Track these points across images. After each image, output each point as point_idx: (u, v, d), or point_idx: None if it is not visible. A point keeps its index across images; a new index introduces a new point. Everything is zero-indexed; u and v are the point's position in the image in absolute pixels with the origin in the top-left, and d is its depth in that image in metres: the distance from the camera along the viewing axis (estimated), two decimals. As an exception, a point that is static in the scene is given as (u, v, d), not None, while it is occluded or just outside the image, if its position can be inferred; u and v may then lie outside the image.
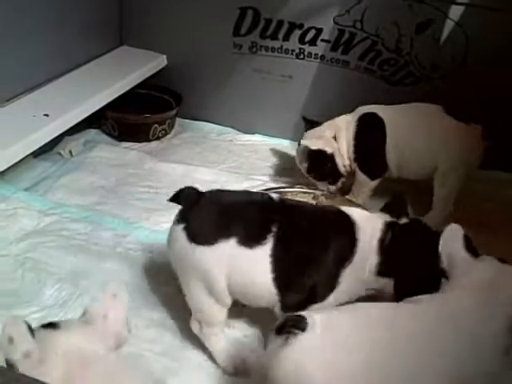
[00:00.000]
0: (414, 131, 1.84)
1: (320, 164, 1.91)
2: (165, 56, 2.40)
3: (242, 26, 2.26)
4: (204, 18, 2.29)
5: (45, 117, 1.87)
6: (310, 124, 1.98)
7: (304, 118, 2.02)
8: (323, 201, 1.91)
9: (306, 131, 1.98)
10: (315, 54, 2.23)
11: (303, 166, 1.95)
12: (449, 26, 2.05)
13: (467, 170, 1.83)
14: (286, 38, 2.23)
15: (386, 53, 2.15)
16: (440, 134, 1.82)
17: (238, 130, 2.42)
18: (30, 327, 0.90)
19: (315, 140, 1.90)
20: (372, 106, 1.92)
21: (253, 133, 2.40)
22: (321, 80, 2.25)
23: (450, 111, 1.84)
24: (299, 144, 1.94)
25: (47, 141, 1.86)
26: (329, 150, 1.89)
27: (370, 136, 1.89)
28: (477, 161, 1.84)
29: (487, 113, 1.89)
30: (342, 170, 1.93)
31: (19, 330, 0.89)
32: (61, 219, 1.80)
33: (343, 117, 1.93)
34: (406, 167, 1.88)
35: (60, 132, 1.92)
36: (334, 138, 1.90)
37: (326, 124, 1.94)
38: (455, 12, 2.02)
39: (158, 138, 2.32)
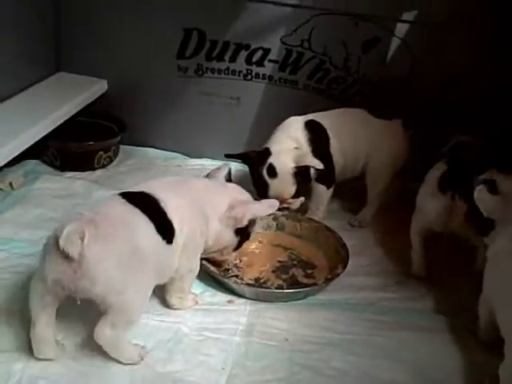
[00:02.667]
0: (351, 134, 1.93)
1: (303, 180, 1.86)
2: (105, 81, 2.30)
3: (187, 48, 2.21)
4: (147, 40, 2.22)
5: (-13, 146, 1.73)
6: (245, 156, 1.92)
7: (230, 156, 1.93)
8: (284, 221, 1.87)
9: (248, 164, 1.91)
10: (263, 75, 2.21)
11: (290, 189, 1.85)
12: (395, 43, 2.08)
13: (396, 164, 1.94)
14: (233, 59, 2.20)
15: (335, 71, 2.15)
16: (369, 133, 1.94)
17: (186, 155, 2.35)
18: None
19: (289, 157, 1.83)
20: (306, 115, 1.93)
21: (201, 157, 2.33)
22: (269, 101, 2.23)
23: (373, 112, 1.96)
24: (272, 172, 1.84)
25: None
26: (314, 164, 1.84)
27: (319, 144, 1.89)
28: (404, 152, 1.95)
29: (435, 125, 1.92)
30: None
31: None
32: (11, 255, 1.66)
33: (294, 126, 1.90)
34: (349, 169, 1.95)
35: (4, 163, 1.78)
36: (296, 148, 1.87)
37: (283, 137, 1.89)
38: (401, 29, 2.06)
39: (103, 166, 2.21)
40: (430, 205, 1.62)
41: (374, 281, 1.67)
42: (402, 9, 2.02)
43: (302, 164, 1.81)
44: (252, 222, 1.55)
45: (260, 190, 1.85)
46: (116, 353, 1.29)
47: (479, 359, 1.39)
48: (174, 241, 1.36)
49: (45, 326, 1.26)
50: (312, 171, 1.85)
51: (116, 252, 1.22)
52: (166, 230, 1.34)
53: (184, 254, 1.40)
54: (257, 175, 1.85)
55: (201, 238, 1.45)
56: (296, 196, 1.86)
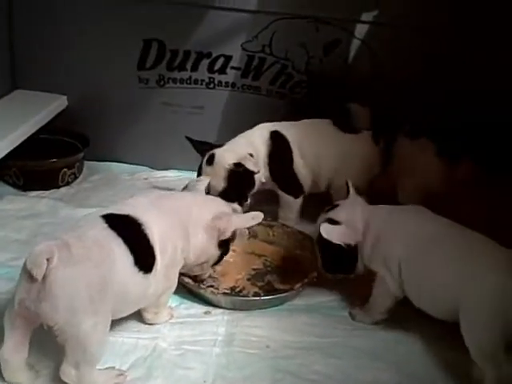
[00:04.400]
0: (317, 147, 1.90)
1: (237, 181, 1.82)
2: (65, 97, 2.25)
3: (148, 58, 2.18)
4: (105, 53, 2.18)
5: None
6: (201, 145, 1.93)
7: (190, 140, 1.95)
8: (256, 228, 1.85)
9: (199, 152, 1.91)
10: (226, 82, 2.19)
11: (218, 184, 1.82)
12: (356, 44, 2.08)
13: (365, 176, 1.88)
14: (195, 68, 2.18)
15: (297, 75, 2.14)
16: (337, 146, 1.89)
17: (152, 168, 2.31)
18: None
19: (234, 156, 1.82)
20: (272, 123, 1.92)
21: (167, 168, 2.29)
22: (233, 108, 2.22)
23: (338, 124, 1.93)
24: (210, 161, 1.84)
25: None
26: (250, 168, 1.81)
27: (281, 155, 1.88)
28: (375, 166, 1.91)
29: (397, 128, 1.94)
30: (255, 189, 1.88)
31: None
32: (-25, 280, 1.59)
33: (258, 134, 1.90)
34: (319, 181, 1.93)
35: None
36: (251, 154, 1.84)
37: (241, 141, 1.89)
38: (361, 30, 2.06)
39: (68, 184, 2.17)
40: None
41: (350, 283, 1.65)
42: (362, 10, 2.02)
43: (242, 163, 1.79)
44: (233, 235, 1.52)
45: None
46: None
47: (458, 355, 1.38)
48: (153, 269, 1.32)
49: (12, 348, 1.21)
50: (260, 179, 1.85)
51: (84, 278, 1.18)
52: (145, 261, 1.31)
53: (164, 273, 1.37)
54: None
55: (181, 255, 1.43)
56: (228, 196, 1.75)
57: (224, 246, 1.52)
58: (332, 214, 1.53)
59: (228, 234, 1.48)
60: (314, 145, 1.90)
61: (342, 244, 1.47)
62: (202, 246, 1.48)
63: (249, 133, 1.90)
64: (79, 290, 1.17)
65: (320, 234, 1.48)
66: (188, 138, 1.94)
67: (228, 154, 1.83)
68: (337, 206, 1.57)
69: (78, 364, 1.20)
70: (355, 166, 1.88)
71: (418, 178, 1.86)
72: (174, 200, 1.48)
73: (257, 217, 1.52)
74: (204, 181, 1.65)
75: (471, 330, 1.28)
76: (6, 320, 1.21)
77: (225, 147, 1.86)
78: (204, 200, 1.55)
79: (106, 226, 1.28)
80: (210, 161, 1.84)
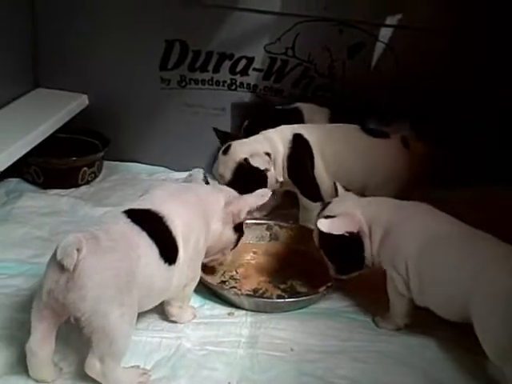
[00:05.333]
0: (343, 152, 1.85)
1: (244, 176, 1.81)
2: (86, 96, 2.25)
3: (170, 59, 2.18)
4: (127, 53, 2.19)
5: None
6: (225, 136, 1.94)
7: (216, 130, 1.97)
8: (278, 231, 1.84)
9: (221, 144, 1.91)
10: (247, 84, 2.19)
11: (226, 173, 1.83)
12: (379, 48, 2.07)
13: (395, 182, 1.83)
14: (217, 69, 2.18)
15: (320, 78, 2.13)
16: (365, 151, 1.85)
17: (171, 169, 2.30)
18: None
19: (248, 150, 1.82)
20: (297, 125, 1.90)
21: (186, 170, 2.27)
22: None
23: (367, 129, 1.89)
24: (226, 151, 1.85)
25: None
26: (262, 167, 1.80)
27: (301, 158, 1.86)
28: (405, 171, 1.84)
29: (421, 130, 1.92)
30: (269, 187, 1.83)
31: None
32: (-3, 276, 1.59)
33: (280, 133, 1.88)
34: (351, 186, 1.82)
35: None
36: (267, 153, 1.83)
37: (261, 137, 1.87)
38: (385, 34, 2.05)
39: (87, 183, 2.16)
40: None
41: (373, 288, 1.63)
42: (386, 13, 2.01)
43: (252, 161, 1.79)
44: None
45: None
46: None
47: (483, 359, 1.36)
48: (177, 260, 1.32)
49: (39, 341, 1.21)
50: (276, 178, 1.85)
51: (111, 269, 1.18)
52: (169, 253, 1.31)
53: (189, 264, 1.37)
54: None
55: (204, 245, 1.43)
56: (237, 188, 1.66)
57: (239, 229, 1.53)
58: (326, 212, 1.53)
59: (243, 215, 1.50)
60: (339, 150, 1.86)
61: (345, 233, 1.45)
62: (220, 233, 1.49)
63: (271, 132, 1.88)
64: (107, 281, 1.17)
65: (320, 237, 1.49)
66: (214, 129, 1.97)
67: (242, 148, 1.83)
68: (329, 203, 1.57)
69: (103, 357, 1.19)
70: (386, 171, 1.84)
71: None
72: (193, 191, 1.48)
73: (266, 193, 1.54)
74: (199, 173, 1.66)
75: (485, 329, 1.26)
76: (34, 312, 1.20)
77: (244, 140, 1.87)
78: (212, 188, 1.56)
79: (128, 220, 1.28)
80: (226, 151, 1.85)
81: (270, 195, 1.54)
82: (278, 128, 1.88)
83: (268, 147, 1.85)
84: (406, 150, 1.85)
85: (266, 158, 1.82)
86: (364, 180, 1.83)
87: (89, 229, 1.23)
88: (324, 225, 1.46)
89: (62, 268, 1.13)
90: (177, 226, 1.33)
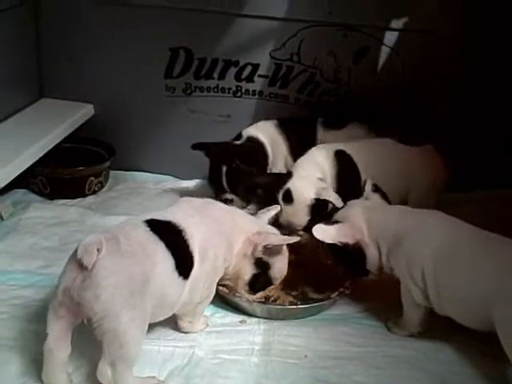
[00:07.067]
0: (384, 164, 1.84)
1: (319, 214, 1.75)
2: (91, 105, 2.25)
3: (175, 67, 2.18)
4: (132, 62, 2.18)
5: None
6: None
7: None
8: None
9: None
10: (253, 91, 2.19)
11: (302, 220, 1.78)
12: (385, 52, 2.07)
13: (437, 188, 1.86)
14: (222, 76, 2.17)
15: (325, 83, 2.13)
16: (403, 162, 1.85)
17: (177, 177, 2.30)
18: None
19: (312, 187, 1.77)
20: (331, 144, 1.88)
21: (192, 178, 2.28)
22: (260, 116, 2.19)
23: (402, 140, 1.89)
24: (288, 199, 1.79)
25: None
26: (333, 198, 1.75)
27: (349, 174, 1.84)
28: (444, 176, 1.86)
29: (430, 134, 1.92)
30: None
31: None
32: (7, 288, 1.59)
33: (323, 155, 1.84)
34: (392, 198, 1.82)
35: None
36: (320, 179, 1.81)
37: (309, 165, 1.83)
38: (390, 38, 2.05)
39: (94, 192, 2.16)
40: None
41: (385, 293, 1.62)
42: (391, 17, 2.01)
43: (322, 197, 1.74)
44: (272, 259, 1.49)
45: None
46: None
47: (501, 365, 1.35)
48: (190, 274, 1.33)
49: (56, 340, 1.21)
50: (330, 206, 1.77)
51: (127, 272, 1.19)
52: (184, 266, 1.31)
53: (205, 281, 1.37)
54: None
55: (223, 265, 1.42)
56: (307, 229, 1.71)
57: (261, 268, 1.48)
58: (336, 216, 1.52)
59: (259, 249, 1.46)
60: (380, 162, 1.84)
61: (338, 243, 1.45)
62: (237, 259, 1.47)
63: (314, 155, 1.85)
64: (121, 283, 1.18)
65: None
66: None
67: (304, 188, 1.78)
68: (343, 207, 1.57)
69: (114, 362, 1.19)
70: (428, 178, 1.85)
71: None
72: (219, 208, 1.48)
73: (291, 239, 1.51)
74: (272, 210, 1.62)
75: (510, 335, 1.23)
76: (50, 311, 1.21)
77: (299, 176, 1.80)
78: (254, 221, 1.54)
79: (148, 229, 1.29)
80: (288, 198, 1.79)
81: (294, 240, 1.51)
82: (314, 149, 1.86)
83: (319, 172, 1.82)
84: (440, 156, 1.86)
85: (326, 185, 1.79)
86: (407, 190, 1.83)
87: (110, 231, 1.25)
88: (317, 231, 1.45)
89: (80, 266, 1.15)
90: (195, 240, 1.33)
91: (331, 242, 1.45)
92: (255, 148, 2.01)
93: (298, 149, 2.02)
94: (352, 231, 1.46)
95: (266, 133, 2.06)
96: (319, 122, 2.06)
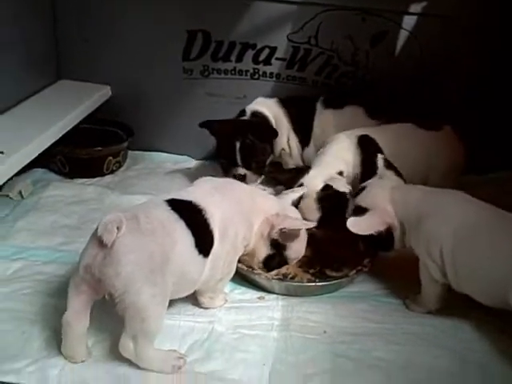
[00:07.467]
0: (404, 148, 1.83)
1: (332, 206, 1.75)
2: (109, 87, 2.26)
3: (192, 49, 2.18)
4: (150, 44, 2.19)
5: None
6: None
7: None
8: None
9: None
10: (270, 73, 2.19)
11: (313, 215, 1.76)
12: (403, 36, 2.07)
13: (456, 171, 1.87)
14: (239, 59, 2.18)
15: (343, 66, 2.14)
16: (424, 147, 1.85)
17: (194, 157, 2.32)
18: None
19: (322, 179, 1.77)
20: (356, 130, 1.87)
21: (209, 159, 2.30)
22: (277, 99, 2.19)
23: (421, 125, 1.89)
24: None
25: (5, 180, 1.69)
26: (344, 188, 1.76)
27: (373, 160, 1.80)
28: (463, 158, 1.88)
29: (448, 118, 1.93)
30: None
31: None
32: (30, 263, 1.62)
33: (343, 143, 1.84)
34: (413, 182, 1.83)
35: (17, 170, 1.73)
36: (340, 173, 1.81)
37: (326, 158, 1.83)
38: (408, 22, 2.05)
39: (112, 172, 2.18)
40: None
41: (403, 270, 1.63)
42: (410, 1, 2.01)
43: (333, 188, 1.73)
44: (288, 241, 1.50)
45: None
46: (144, 365, 1.25)
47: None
48: (211, 253, 1.34)
49: (75, 313, 1.24)
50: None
51: (147, 249, 1.20)
52: (204, 245, 1.32)
53: (225, 259, 1.39)
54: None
55: (242, 243, 1.43)
56: (326, 224, 1.71)
57: (276, 248, 1.49)
58: (359, 200, 1.53)
59: (275, 231, 1.46)
60: (402, 147, 1.83)
61: (373, 233, 1.46)
62: (255, 235, 1.48)
63: (331, 147, 1.84)
64: (141, 260, 1.19)
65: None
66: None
67: (316, 180, 1.77)
68: (363, 188, 1.56)
69: (135, 336, 1.22)
70: (448, 161, 1.86)
71: None
72: (239, 188, 1.49)
73: (308, 224, 1.52)
74: (297, 192, 1.64)
75: None
76: (71, 286, 1.24)
77: (312, 171, 1.80)
78: (276, 200, 1.55)
79: (169, 208, 1.30)
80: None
81: (311, 226, 1.52)
82: (336, 139, 1.86)
83: (339, 164, 1.81)
84: (459, 139, 1.87)
85: (343, 179, 1.78)
86: (427, 173, 1.84)
87: (130, 210, 1.26)
88: (352, 225, 1.45)
89: (101, 244, 1.17)
90: (215, 219, 1.35)
91: (368, 233, 1.46)
92: (265, 123, 2.01)
93: (298, 126, 2.07)
94: (384, 217, 1.48)
95: (269, 108, 2.07)
96: (320, 100, 2.07)
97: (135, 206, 1.37)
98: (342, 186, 1.74)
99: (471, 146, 1.88)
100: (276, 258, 1.52)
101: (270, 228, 1.47)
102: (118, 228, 1.17)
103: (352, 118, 2.00)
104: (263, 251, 1.50)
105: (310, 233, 1.59)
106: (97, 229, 1.18)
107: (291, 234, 1.48)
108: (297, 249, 1.52)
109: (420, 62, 2.09)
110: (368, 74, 2.13)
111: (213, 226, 1.34)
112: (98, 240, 1.17)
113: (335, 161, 1.81)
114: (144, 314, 1.20)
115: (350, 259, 1.64)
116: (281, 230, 1.46)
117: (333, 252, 1.70)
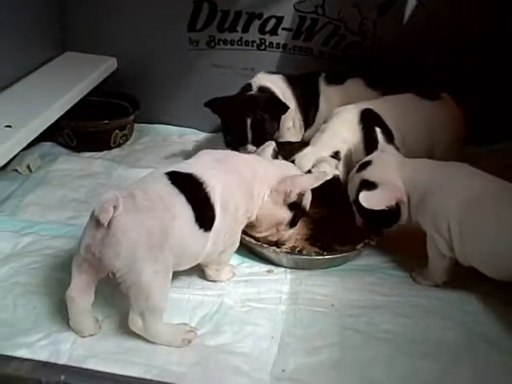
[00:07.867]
0: (408, 119, 1.81)
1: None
2: (114, 59, 2.24)
3: (198, 20, 2.16)
4: (155, 15, 2.17)
5: (7, 128, 1.68)
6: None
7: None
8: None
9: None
10: (277, 44, 2.17)
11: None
12: (411, 4, 2.04)
13: (459, 141, 1.86)
14: (246, 29, 2.16)
15: (350, 36, 2.11)
16: (427, 117, 1.83)
17: (200, 130, 2.31)
18: None
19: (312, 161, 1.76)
20: (357, 104, 1.84)
21: (216, 131, 2.28)
22: (284, 69, 2.18)
23: (421, 94, 1.86)
24: None
25: (15, 154, 1.69)
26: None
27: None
28: (463, 126, 1.86)
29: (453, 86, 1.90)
30: None
31: None
32: (40, 238, 1.63)
33: (343, 122, 1.80)
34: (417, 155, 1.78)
35: (25, 144, 1.74)
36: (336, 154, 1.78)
37: (324, 135, 1.81)
38: (417, -11, 2.02)
39: (119, 145, 2.18)
40: None
41: (409, 243, 1.63)
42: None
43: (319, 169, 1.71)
44: (303, 196, 1.50)
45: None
46: (154, 339, 1.27)
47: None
48: (212, 226, 1.33)
49: (79, 289, 1.25)
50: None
51: (145, 227, 1.20)
52: (205, 219, 1.31)
53: (226, 231, 1.38)
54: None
55: (245, 215, 1.43)
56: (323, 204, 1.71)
57: (295, 207, 1.49)
58: (366, 174, 1.51)
59: (293, 196, 1.46)
60: (405, 118, 1.80)
61: (385, 208, 1.46)
62: (268, 208, 1.47)
63: (333, 123, 1.81)
64: (140, 238, 1.19)
65: (357, 196, 1.47)
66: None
67: (304, 161, 1.76)
68: (369, 162, 1.54)
69: (142, 313, 1.23)
70: (451, 131, 1.84)
71: None
72: (240, 160, 1.47)
73: (321, 176, 1.50)
74: (269, 146, 1.62)
75: None
76: (74, 265, 1.25)
77: (307, 149, 1.79)
78: (270, 163, 1.54)
79: (169, 182, 1.29)
80: None
81: (325, 177, 1.49)
82: (338, 113, 1.82)
83: (338, 142, 1.78)
84: (459, 107, 1.85)
85: (333, 161, 1.76)
86: (431, 145, 1.82)
87: (128, 187, 1.26)
88: (365, 200, 1.44)
89: (98, 224, 1.17)
90: (216, 192, 1.33)
91: (379, 208, 1.45)
92: (276, 98, 1.99)
93: (303, 102, 2.04)
94: (394, 192, 1.47)
95: (275, 84, 2.03)
96: (321, 76, 2.05)
97: (136, 180, 1.36)
98: (329, 169, 1.70)
99: (475, 116, 1.85)
100: (298, 215, 1.53)
101: (285, 195, 1.46)
102: (114, 207, 1.17)
103: (354, 92, 1.99)
104: (284, 217, 1.50)
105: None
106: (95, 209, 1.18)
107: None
108: (309, 194, 1.53)
109: (427, 30, 2.05)
110: (375, 44, 2.09)
111: (214, 200, 1.33)
112: (96, 220, 1.17)
113: (332, 141, 1.78)
114: (148, 291, 1.21)
115: (357, 233, 1.63)
116: (298, 193, 1.46)
117: (340, 226, 1.70)
